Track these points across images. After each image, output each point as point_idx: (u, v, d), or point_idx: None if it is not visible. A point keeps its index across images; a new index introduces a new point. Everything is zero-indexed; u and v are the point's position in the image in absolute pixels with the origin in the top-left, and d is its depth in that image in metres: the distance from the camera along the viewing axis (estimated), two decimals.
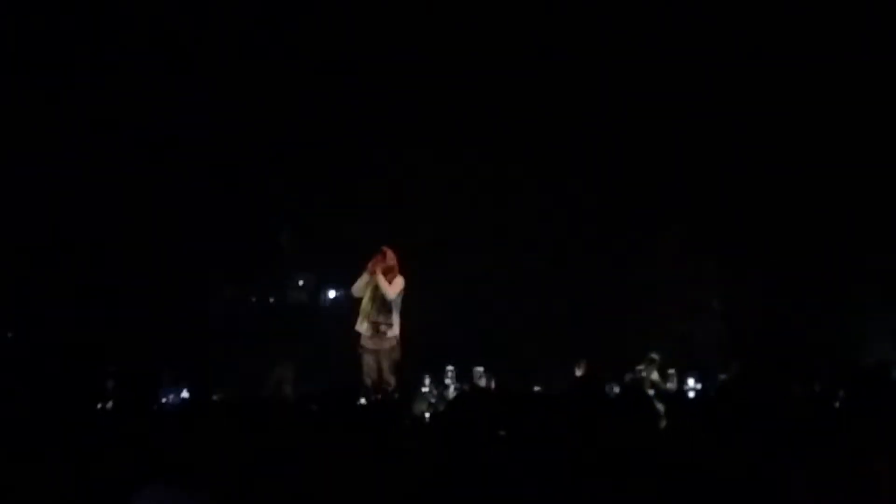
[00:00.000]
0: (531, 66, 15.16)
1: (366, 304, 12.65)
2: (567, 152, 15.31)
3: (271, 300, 15.48)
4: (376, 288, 12.57)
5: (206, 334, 14.65)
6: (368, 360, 12.57)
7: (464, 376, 13.61)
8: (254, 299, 15.63)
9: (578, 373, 13.30)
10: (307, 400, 10.21)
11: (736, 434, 5.76)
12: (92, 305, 14.00)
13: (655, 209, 15.54)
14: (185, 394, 12.15)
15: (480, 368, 13.58)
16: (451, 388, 13.36)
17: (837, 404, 6.57)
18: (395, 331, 12.56)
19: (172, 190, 14.99)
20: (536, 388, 13.00)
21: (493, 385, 13.33)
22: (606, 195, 15.45)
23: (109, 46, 14.37)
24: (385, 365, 12.47)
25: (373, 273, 12.54)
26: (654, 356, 13.82)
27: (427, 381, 13.51)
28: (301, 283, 15.20)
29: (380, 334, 12.53)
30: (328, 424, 6.98)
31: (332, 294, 15.39)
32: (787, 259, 14.81)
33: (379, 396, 11.30)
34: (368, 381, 12.28)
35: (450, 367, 13.61)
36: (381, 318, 12.51)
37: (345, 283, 14.51)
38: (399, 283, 12.57)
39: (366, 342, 12.68)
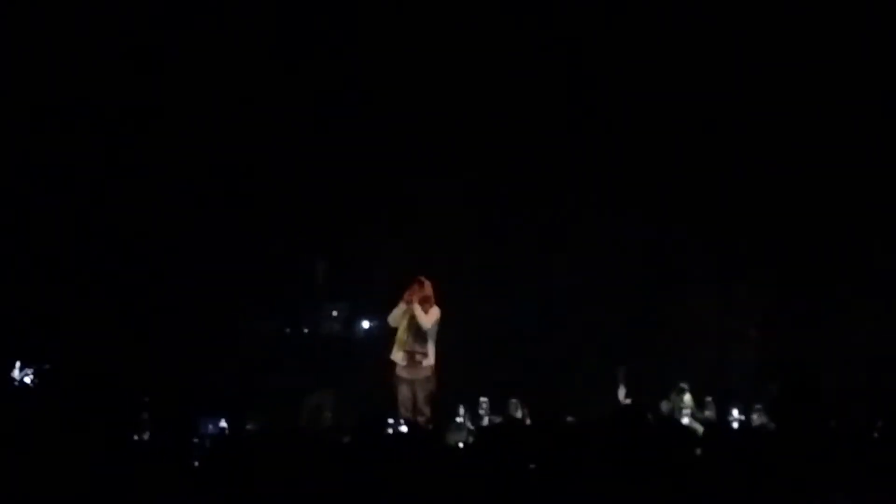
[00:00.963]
0: (559, 89, 15.18)
1: (401, 333, 12.70)
2: (599, 183, 15.30)
3: (305, 331, 15.51)
4: (412, 318, 12.63)
5: (241, 365, 14.68)
6: (403, 390, 12.61)
7: (498, 408, 13.58)
8: (288, 330, 15.66)
9: (621, 394, 13.27)
10: (341, 430, 10.26)
11: (775, 463, 5.74)
12: (128, 338, 14.08)
13: (688, 237, 15.47)
14: (223, 423, 12.20)
15: (515, 400, 13.55)
16: (486, 420, 13.34)
17: (876, 434, 6.52)
18: (430, 360, 12.60)
19: (208, 221, 15.07)
20: (570, 419, 12.96)
21: (526, 416, 13.31)
22: (640, 225, 15.40)
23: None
24: (420, 395, 12.50)
25: (409, 303, 12.60)
26: (684, 385, 13.76)
27: (462, 411, 13.50)
28: (335, 313, 15.23)
29: (415, 363, 12.58)
30: (361, 454, 6.99)
31: (365, 324, 15.41)
32: (822, 285, 14.72)
33: (412, 425, 11.28)
34: (403, 411, 12.30)
35: (483, 399, 13.59)
36: (416, 348, 12.57)
37: (378, 314, 14.56)
38: (435, 312, 12.64)
39: (401, 371, 12.72)
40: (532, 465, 6.05)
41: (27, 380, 11.51)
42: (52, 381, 11.53)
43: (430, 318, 12.65)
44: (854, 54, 14.30)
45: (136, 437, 9.50)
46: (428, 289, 12.70)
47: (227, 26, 14.68)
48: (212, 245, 15.03)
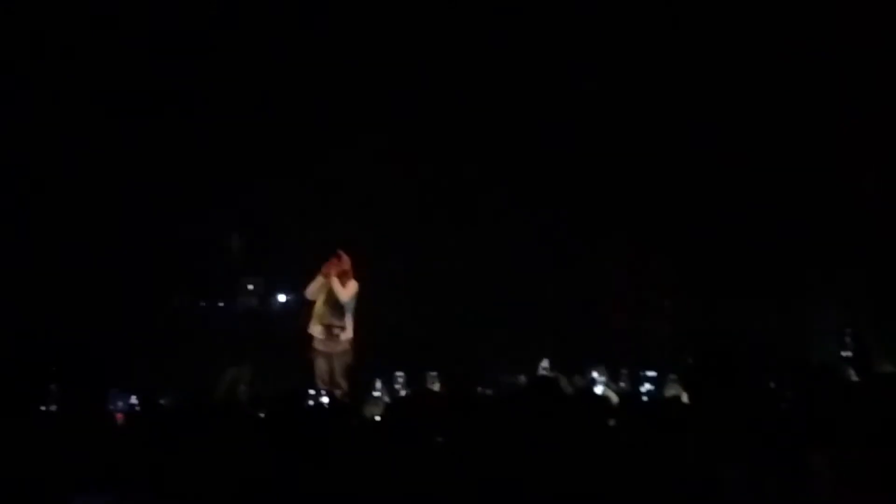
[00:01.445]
0: (477, 63, 15.17)
1: (319, 307, 12.72)
2: (518, 153, 15.31)
3: (220, 305, 15.37)
4: (330, 291, 12.63)
5: (154, 340, 14.52)
6: (321, 363, 12.62)
7: (415, 382, 13.59)
8: (203, 304, 15.51)
9: (542, 371, 13.35)
10: (257, 403, 10.18)
11: (684, 433, 5.80)
12: (35, 310, 13.86)
13: (605, 209, 15.55)
14: (133, 399, 12.05)
15: (434, 373, 13.60)
16: (402, 393, 13.36)
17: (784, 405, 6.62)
18: (347, 334, 12.63)
19: (119, 194, 14.86)
20: (485, 391, 13.02)
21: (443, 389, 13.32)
22: (556, 195, 15.45)
23: None
24: (337, 367, 12.51)
25: (327, 276, 12.59)
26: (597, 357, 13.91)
27: (379, 384, 13.50)
28: (251, 287, 15.12)
29: (333, 337, 12.62)
30: (277, 428, 6.95)
31: (282, 298, 15.33)
32: (735, 258, 14.90)
33: (330, 398, 11.30)
34: (321, 384, 12.30)
35: (399, 373, 13.61)
36: (334, 321, 12.61)
37: (295, 288, 14.50)
38: (353, 286, 12.68)
39: (318, 345, 12.72)
40: (440, 439, 6.06)
41: None
42: None
43: (347, 291, 12.69)
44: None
45: (42, 408, 9.38)
46: (346, 262, 12.74)
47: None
48: (126, 219, 14.82)
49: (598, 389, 12.71)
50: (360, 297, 13.29)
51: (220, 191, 15.09)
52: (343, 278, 12.91)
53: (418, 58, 15.17)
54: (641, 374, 13.65)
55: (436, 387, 13.30)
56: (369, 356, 13.69)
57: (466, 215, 15.75)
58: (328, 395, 11.90)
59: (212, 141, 15.00)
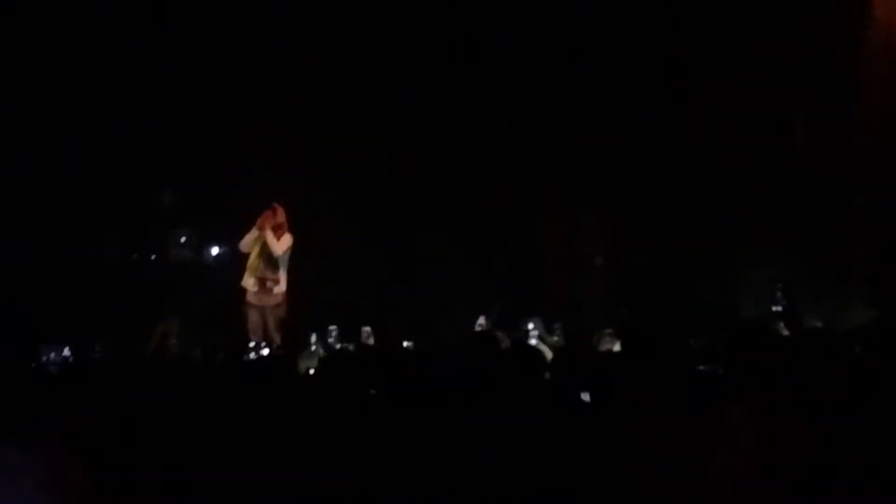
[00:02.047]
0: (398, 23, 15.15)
1: (253, 260, 12.68)
2: (457, 107, 15.30)
3: (153, 257, 15.24)
4: (264, 244, 12.57)
5: (87, 292, 14.39)
6: (254, 316, 12.59)
7: (350, 337, 13.61)
8: (135, 256, 15.38)
9: (480, 326, 13.40)
10: (188, 357, 10.14)
11: (619, 388, 5.86)
12: None
13: (540, 164, 15.60)
14: (66, 352, 11.96)
15: (368, 328, 13.61)
16: (336, 347, 13.38)
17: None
18: (281, 287, 12.61)
19: (52, 144, 14.66)
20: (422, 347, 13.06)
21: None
22: (488, 148, 15.47)
23: None
24: (271, 321, 12.50)
25: (261, 229, 12.53)
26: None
27: (314, 338, 13.49)
28: (183, 239, 15.00)
29: (266, 290, 12.59)
30: (213, 381, 6.92)
31: (215, 250, 15.24)
32: (668, 213, 15.01)
33: (263, 351, 11.28)
34: (253, 337, 12.27)
35: (332, 327, 13.61)
36: (267, 274, 12.58)
37: (228, 240, 14.42)
38: (287, 240, 12.64)
39: (251, 298, 12.69)
40: (372, 391, 6.08)
41: None
42: None
43: (281, 245, 12.65)
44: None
45: None
46: (281, 215, 12.71)
47: None
48: (60, 170, 14.64)
49: (532, 342, 12.78)
50: (295, 250, 13.24)
51: (154, 142, 14.92)
52: (278, 231, 12.85)
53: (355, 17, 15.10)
54: (576, 328, 13.74)
55: (370, 342, 13.33)
56: (304, 310, 13.66)
57: (403, 171, 15.72)
58: (262, 348, 11.87)
59: (147, 92, 14.82)
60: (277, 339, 12.66)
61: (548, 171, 15.62)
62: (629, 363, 6.31)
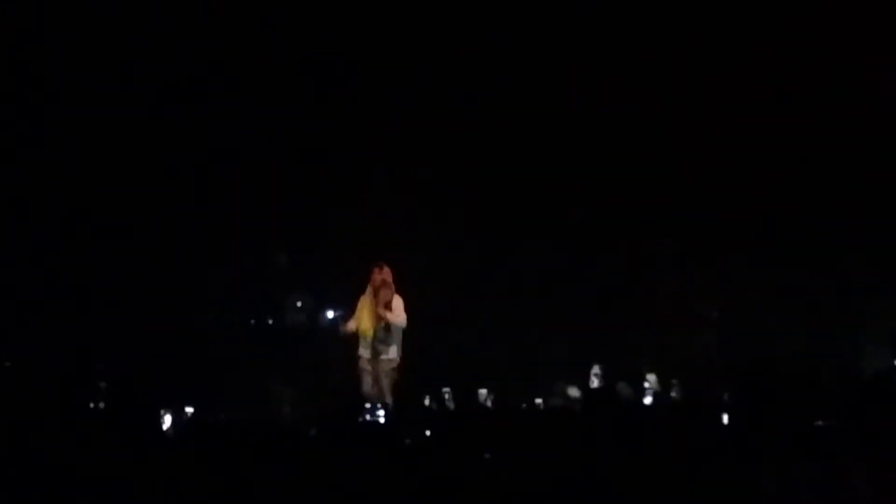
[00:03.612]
0: (516, 73, 15.22)
1: (365, 323, 12.68)
2: (559, 162, 15.32)
3: (270, 322, 15.47)
4: (374, 307, 12.61)
5: (206, 356, 14.65)
6: (367, 380, 12.60)
7: (462, 398, 13.59)
8: (252, 322, 15.63)
9: (594, 383, 13.32)
10: (307, 420, 10.24)
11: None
12: (90, 327, 14.05)
13: (651, 218, 15.50)
14: (189, 409, 12.19)
15: (484, 391, 13.59)
16: (451, 408, 13.37)
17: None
18: (393, 351, 12.59)
19: (170, 211, 15.04)
20: (538, 401, 13.02)
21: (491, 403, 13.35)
22: (601, 205, 15.43)
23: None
24: (384, 384, 12.49)
25: (377, 290, 12.54)
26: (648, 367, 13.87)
27: (427, 400, 13.51)
28: (299, 304, 15.20)
29: (379, 354, 12.58)
30: (328, 443, 6.99)
31: (330, 314, 15.42)
32: (785, 267, 14.79)
33: (377, 415, 11.31)
34: (367, 400, 12.29)
35: (446, 389, 13.61)
36: (380, 338, 12.56)
37: (343, 304, 14.57)
38: (398, 303, 12.62)
39: (364, 363, 12.71)
40: (487, 455, 6.09)
41: None
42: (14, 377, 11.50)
43: (397, 312, 12.61)
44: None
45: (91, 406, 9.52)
46: (387, 274, 12.71)
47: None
48: (179, 237, 14.99)
49: (648, 401, 12.68)
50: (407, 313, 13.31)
51: (269, 208, 15.21)
52: (385, 290, 12.86)
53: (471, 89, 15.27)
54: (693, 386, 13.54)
55: (488, 403, 13.31)
56: (417, 372, 13.71)
57: (510, 232, 15.75)
58: (376, 411, 11.91)
59: (261, 157, 15.14)
60: (390, 401, 12.66)
61: (664, 227, 15.53)
62: (747, 417, 6.23)
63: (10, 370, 11.18)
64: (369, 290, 12.86)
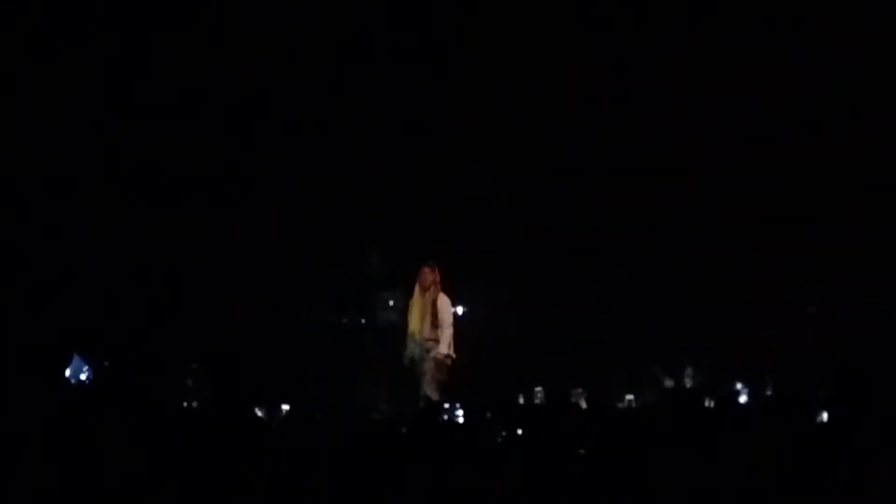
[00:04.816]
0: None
1: (415, 324, 12.63)
2: (654, 157, 15.29)
3: (363, 321, 15.59)
4: (423, 305, 12.55)
5: (303, 354, 14.82)
6: (417, 379, 12.54)
7: (553, 397, 13.60)
8: (345, 321, 15.76)
9: (688, 378, 13.25)
10: (400, 419, 10.31)
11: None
12: (186, 329, 14.31)
13: (745, 216, 15.38)
14: (285, 407, 12.34)
15: (579, 389, 13.58)
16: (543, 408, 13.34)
17: None
18: (441, 349, 12.51)
19: (264, 210, 15.27)
20: (629, 397, 12.96)
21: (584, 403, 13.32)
22: (692, 199, 15.34)
23: None
24: (430, 382, 12.39)
25: (424, 290, 12.55)
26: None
27: (521, 399, 13.52)
28: (391, 303, 15.30)
29: (428, 352, 12.54)
30: (419, 441, 7.03)
31: None
32: (879, 262, 14.58)
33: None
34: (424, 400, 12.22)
35: (538, 388, 13.59)
36: (427, 334, 12.54)
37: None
38: (444, 302, 12.56)
39: (407, 363, 12.67)
40: (582, 450, 6.10)
41: (83, 377, 11.67)
42: (113, 375, 11.72)
43: (442, 306, 12.58)
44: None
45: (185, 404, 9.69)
46: (436, 274, 12.68)
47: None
48: (271, 235, 15.21)
49: (743, 399, 12.55)
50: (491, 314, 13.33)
51: (362, 207, 15.36)
52: (433, 290, 12.84)
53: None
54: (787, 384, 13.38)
55: (583, 403, 13.30)
56: (509, 371, 13.74)
57: (600, 231, 15.73)
58: (455, 410, 11.95)
59: (354, 158, 15.31)
60: (434, 397, 12.54)
61: (754, 225, 15.39)
62: (845, 416, 6.17)
63: (108, 370, 11.40)
64: (418, 289, 12.86)
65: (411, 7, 15.33)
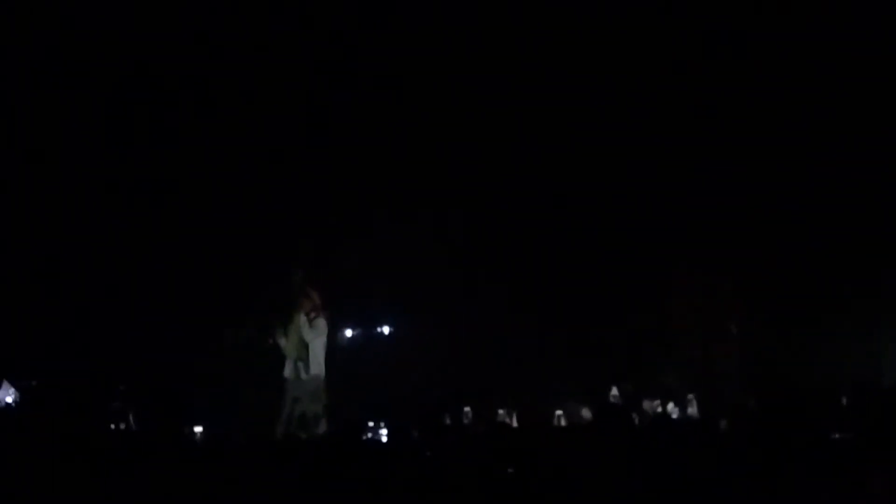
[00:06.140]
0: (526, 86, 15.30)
1: (288, 344, 12.55)
2: (575, 177, 15.37)
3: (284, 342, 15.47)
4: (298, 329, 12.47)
5: (217, 376, 14.68)
6: (288, 403, 12.42)
7: (482, 417, 13.61)
8: (271, 341, 15.64)
9: (613, 398, 13.30)
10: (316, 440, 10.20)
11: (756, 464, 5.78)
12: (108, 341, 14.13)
13: (669, 232, 15.51)
14: (198, 429, 12.24)
15: (503, 411, 13.60)
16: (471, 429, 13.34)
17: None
18: (314, 370, 12.43)
19: (186, 230, 15.14)
20: (559, 412, 12.99)
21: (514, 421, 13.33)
22: (616, 218, 15.45)
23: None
24: (308, 407, 12.28)
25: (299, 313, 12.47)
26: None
27: (447, 420, 13.52)
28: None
29: (300, 376, 12.46)
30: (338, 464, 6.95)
31: (348, 333, 15.44)
32: (801, 279, 14.76)
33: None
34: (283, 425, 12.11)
35: (467, 408, 13.61)
36: (301, 359, 12.47)
37: (360, 323, 14.57)
38: (320, 323, 12.49)
39: (288, 385, 12.56)
40: (510, 469, 6.10)
41: (9, 399, 11.51)
42: (39, 397, 11.56)
43: (315, 329, 12.51)
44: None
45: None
46: (316, 297, 12.65)
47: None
48: (191, 255, 15.06)
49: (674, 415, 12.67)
50: (427, 332, 13.29)
51: (285, 225, 15.29)
52: (313, 314, 12.81)
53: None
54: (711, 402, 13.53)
55: (510, 421, 13.33)
56: (434, 392, 13.72)
57: (529, 248, 15.77)
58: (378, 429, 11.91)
59: (275, 180, 15.25)
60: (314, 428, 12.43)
61: (682, 242, 15.54)
62: (769, 431, 6.24)
63: (36, 389, 11.26)
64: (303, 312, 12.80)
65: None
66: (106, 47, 14.51)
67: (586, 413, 13.07)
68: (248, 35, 14.95)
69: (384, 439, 11.30)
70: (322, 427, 12.10)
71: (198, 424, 12.26)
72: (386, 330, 15.65)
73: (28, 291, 14.24)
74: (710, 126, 15.07)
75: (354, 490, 6.08)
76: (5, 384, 11.56)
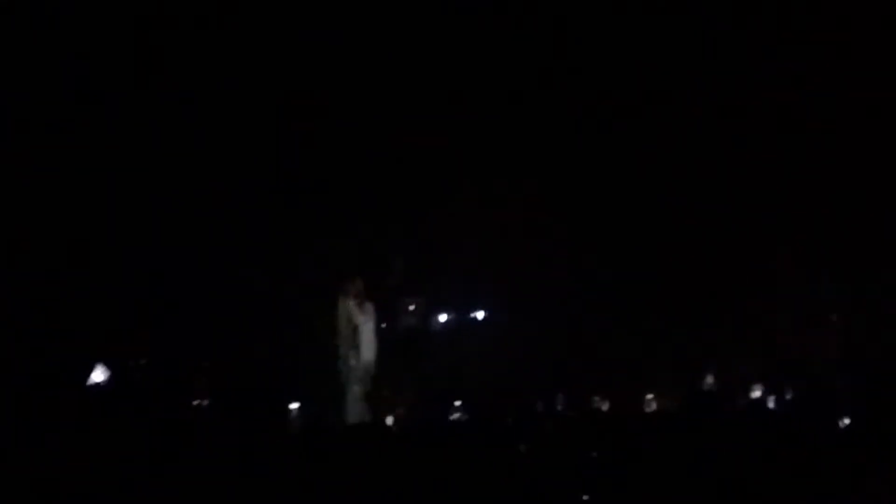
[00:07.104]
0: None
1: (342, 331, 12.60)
2: (679, 166, 15.25)
3: (382, 325, 15.58)
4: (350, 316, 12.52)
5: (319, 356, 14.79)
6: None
7: (575, 403, 13.59)
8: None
9: (707, 386, 13.21)
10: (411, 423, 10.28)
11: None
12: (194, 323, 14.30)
13: (768, 221, 15.32)
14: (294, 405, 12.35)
15: (598, 397, 13.57)
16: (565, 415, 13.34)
17: None
18: (363, 356, 12.47)
19: (290, 221, 15.29)
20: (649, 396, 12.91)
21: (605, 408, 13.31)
22: (719, 207, 15.30)
23: None
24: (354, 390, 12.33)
25: (345, 300, 12.53)
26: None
27: (540, 406, 13.51)
28: (412, 307, 15.27)
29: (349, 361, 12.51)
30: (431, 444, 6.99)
31: (442, 318, 15.48)
32: None
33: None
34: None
35: (560, 394, 13.58)
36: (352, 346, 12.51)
37: (455, 307, 14.59)
38: (368, 309, 12.54)
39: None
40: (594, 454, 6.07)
41: (100, 379, 11.71)
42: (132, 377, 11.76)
43: (363, 314, 12.56)
44: None
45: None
46: (359, 284, 12.69)
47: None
48: (293, 239, 15.22)
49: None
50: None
51: (383, 211, 15.36)
52: (357, 300, 12.85)
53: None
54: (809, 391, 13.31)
55: (604, 407, 13.28)
56: (529, 379, 13.70)
57: (625, 239, 15.69)
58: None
59: (374, 161, 15.32)
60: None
61: (778, 231, 15.33)
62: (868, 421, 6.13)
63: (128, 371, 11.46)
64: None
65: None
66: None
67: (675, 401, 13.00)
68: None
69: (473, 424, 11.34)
70: (365, 415, 12.21)
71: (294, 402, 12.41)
72: (480, 315, 15.62)
73: (127, 276, 14.47)
74: (816, 118, 14.87)
75: (455, 471, 6.09)
76: (100, 366, 11.78)
